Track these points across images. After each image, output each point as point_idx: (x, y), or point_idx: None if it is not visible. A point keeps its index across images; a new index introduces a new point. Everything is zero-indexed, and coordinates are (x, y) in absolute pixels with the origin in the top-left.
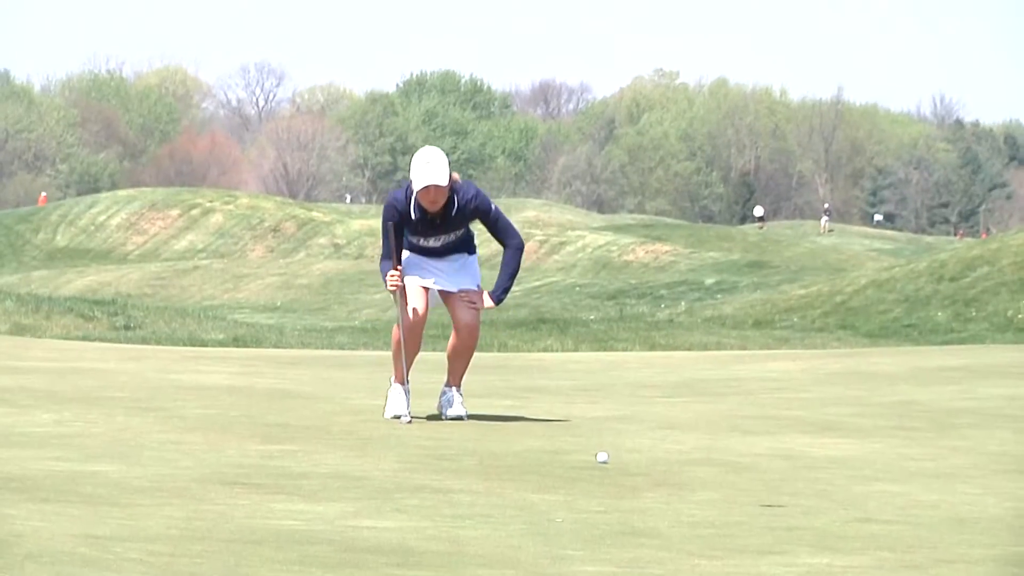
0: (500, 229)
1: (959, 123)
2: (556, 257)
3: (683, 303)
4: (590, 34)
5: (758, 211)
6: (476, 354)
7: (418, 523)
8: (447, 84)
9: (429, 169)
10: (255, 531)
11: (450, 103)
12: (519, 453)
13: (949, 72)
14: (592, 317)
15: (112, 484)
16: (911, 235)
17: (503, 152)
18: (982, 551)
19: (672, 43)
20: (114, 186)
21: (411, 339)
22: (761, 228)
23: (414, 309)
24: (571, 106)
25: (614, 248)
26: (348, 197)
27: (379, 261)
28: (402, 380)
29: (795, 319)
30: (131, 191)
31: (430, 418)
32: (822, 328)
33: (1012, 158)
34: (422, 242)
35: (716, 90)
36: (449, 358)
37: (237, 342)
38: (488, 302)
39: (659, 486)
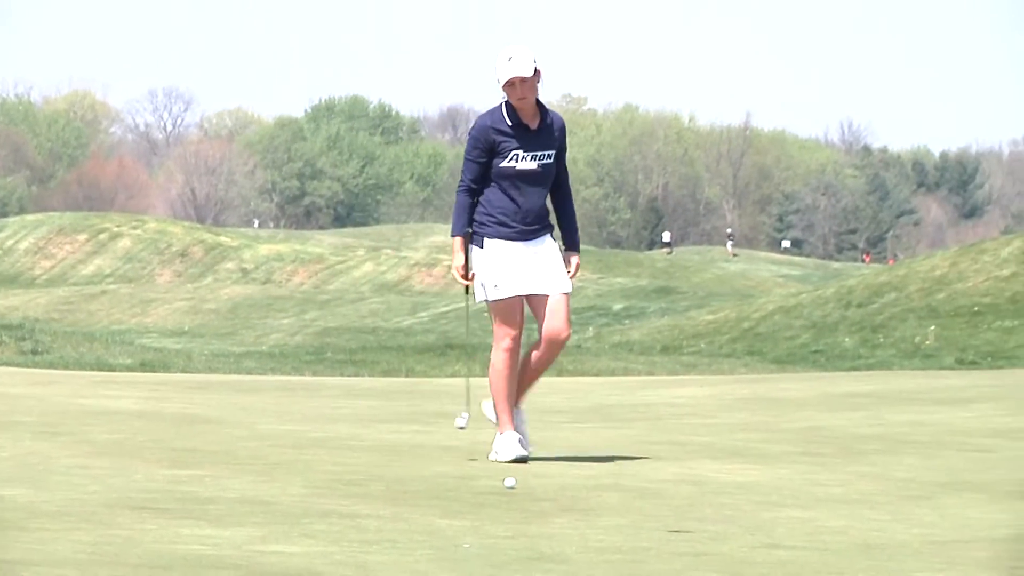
0: (565, 162)
1: (867, 149)
2: None
3: (591, 328)
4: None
5: (666, 237)
6: (384, 379)
7: (325, 548)
8: (355, 109)
9: (513, 64)
10: (163, 555)
11: (358, 128)
12: (427, 478)
13: (857, 98)
14: None
15: (20, 508)
16: (819, 261)
17: (411, 177)
18: None
19: (580, 69)
20: (22, 210)
21: (512, 366)
22: (669, 254)
23: (512, 329)
24: None
25: None
26: (256, 222)
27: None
28: (514, 426)
29: (703, 345)
30: (39, 216)
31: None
32: (730, 354)
33: (920, 184)
34: (519, 165)
35: (624, 116)
36: (525, 371)
37: (145, 367)
38: (577, 260)
39: (567, 511)
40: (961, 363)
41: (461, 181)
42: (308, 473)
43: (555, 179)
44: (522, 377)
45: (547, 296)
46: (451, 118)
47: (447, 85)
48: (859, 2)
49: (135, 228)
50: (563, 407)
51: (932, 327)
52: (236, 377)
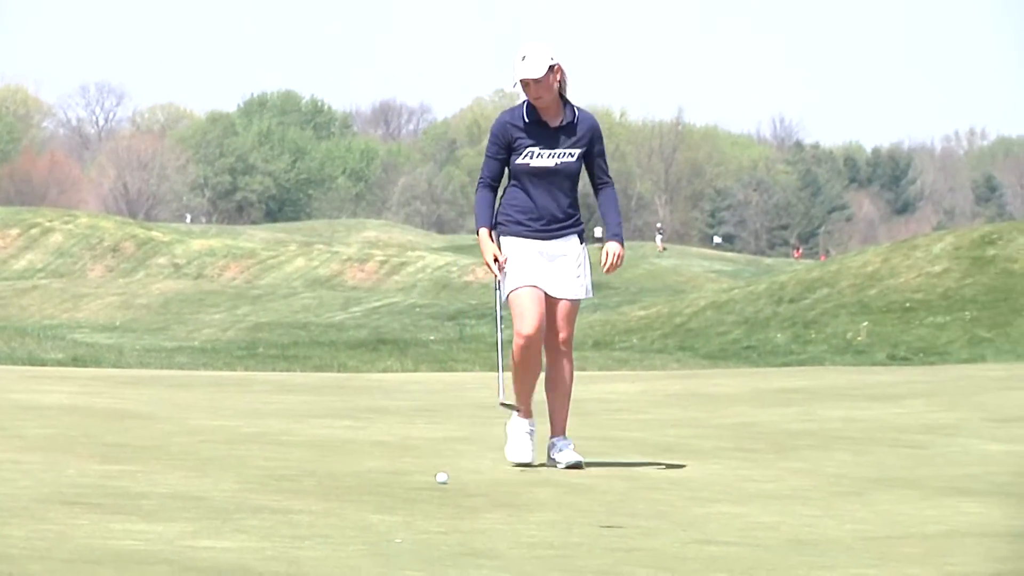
0: (605, 162)
1: (799, 145)
2: (396, 278)
3: None
4: (431, 55)
5: (598, 232)
6: (316, 375)
7: (257, 543)
8: (288, 104)
9: (524, 64)
10: (94, 551)
11: (290, 123)
12: (359, 474)
13: (789, 94)
14: (432, 338)
15: None
16: (750, 257)
17: (343, 172)
18: (821, 573)
19: (511, 63)
20: None
21: (525, 362)
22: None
23: (527, 323)
24: (412, 126)
25: (454, 268)
26: (188, 217)
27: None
28: (528, 412)
29: (635, 340)
30: None
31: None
32: (661, 349)
33: (852, 180)
34: (533, 162)
35: None
36: (547, 395)
37: (76, 362)
38: (617, 249)
39: (499, 507)
40: (893, 359)
41: (480, 177)
42: (240, 468)
43: (596, 179)
44: (549, 402)
45: (556, 300)
46: (383, 113)
47: (379, 80)
48: None
49: (67, 223)
50: (495, 402)
51: (864, 323)
52: (168, 372)
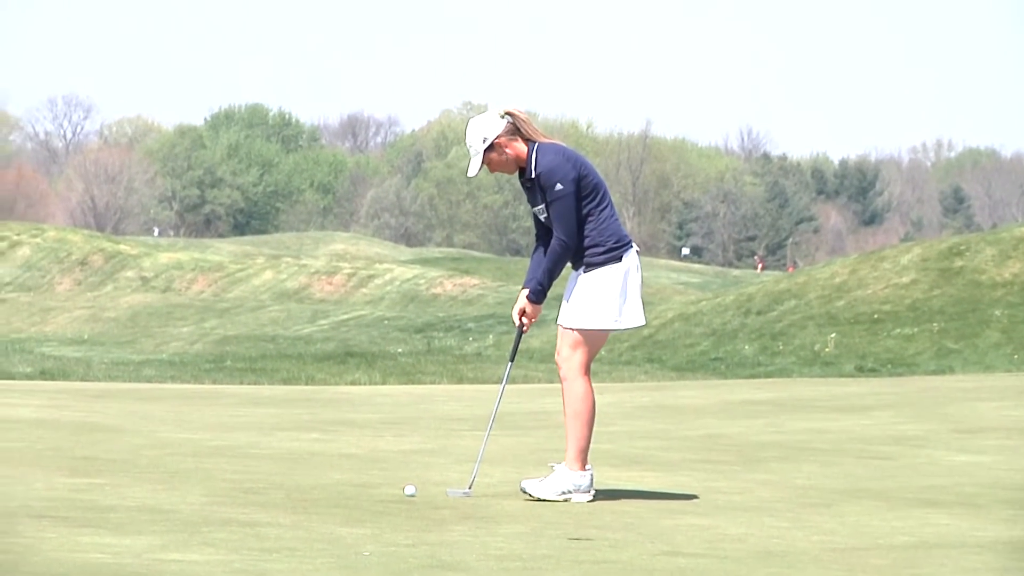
0: (557, 210)
1: (766, 157)
2: (364, 290)
3: (491, 336)
4: (398, 67)
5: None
6: (284, 387)
7: (225, 556)
8: (255, 117)
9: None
10: (63, 564)
11: (257, 136)
12: (327, 486)
13: (756, 106)
14: (400, 350)
15: None
16: (718, 268)
17: (311, 185)
18: None
19: (480, 76)
20: None
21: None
22: None
23: None
24: (379, 139)
25: (422, 281)
26: (156, 230)
27: None
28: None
29: (602, 352)
30: None
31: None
32: (629, 361)
33: (819, 192)
34: (540, 215)
35: None
36: None
37: (44, 375)
38: (522, 303)
39: (467, 519)
40: (861, 370)
41: None
42: (208, 481)
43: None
44: None
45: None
46: (351, 126)
47: (347, 93)
48: (758, 10)
49: (35, 236)
50: (463, 415)
51: (832, 334)
52: (136, 385)
